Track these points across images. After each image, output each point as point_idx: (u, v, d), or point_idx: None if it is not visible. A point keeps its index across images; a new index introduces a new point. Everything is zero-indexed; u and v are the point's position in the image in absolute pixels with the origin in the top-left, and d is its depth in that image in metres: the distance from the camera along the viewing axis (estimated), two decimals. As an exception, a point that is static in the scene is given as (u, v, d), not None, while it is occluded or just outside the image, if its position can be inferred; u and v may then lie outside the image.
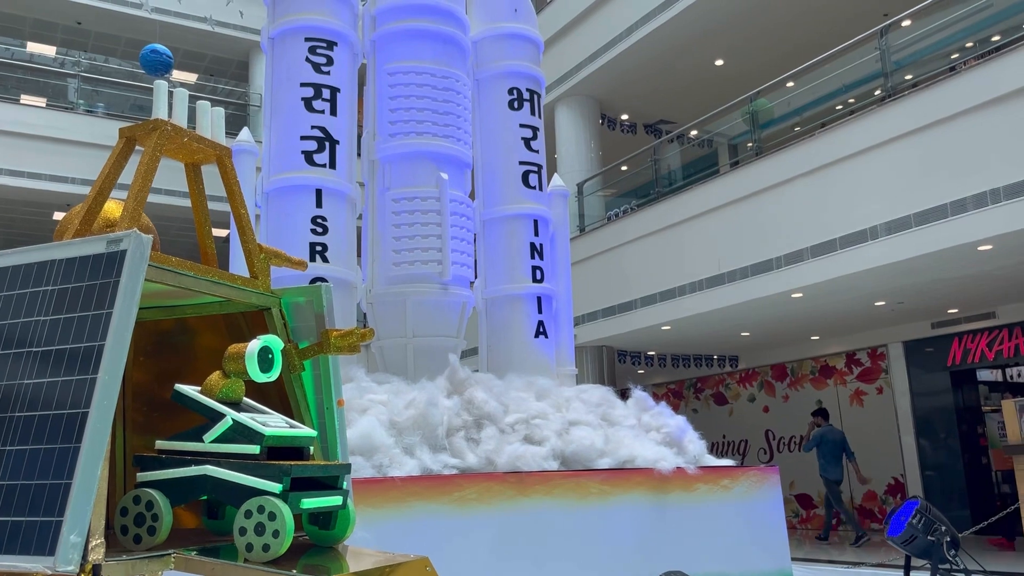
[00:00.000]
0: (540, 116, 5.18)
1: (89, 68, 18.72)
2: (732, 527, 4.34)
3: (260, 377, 2.19)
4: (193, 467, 2.07)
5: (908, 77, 10.88)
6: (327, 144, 4.46)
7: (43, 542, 1.74)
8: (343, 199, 4.52)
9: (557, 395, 4.49)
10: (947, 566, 4.41)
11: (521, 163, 5.04)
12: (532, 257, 4.93)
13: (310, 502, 2.05)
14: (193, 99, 2.59)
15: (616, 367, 15.28)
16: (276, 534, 1.93)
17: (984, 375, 13.24)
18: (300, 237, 4.34)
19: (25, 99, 17.89)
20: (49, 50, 19.83)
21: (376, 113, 4.68)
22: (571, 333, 5.15)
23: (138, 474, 2.13)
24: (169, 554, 1.96)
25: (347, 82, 4.62)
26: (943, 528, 4.44)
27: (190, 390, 2.17)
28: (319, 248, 4.35)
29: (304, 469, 2.04)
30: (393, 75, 4.63)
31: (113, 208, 2.44)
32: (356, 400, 3.89)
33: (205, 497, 2.08)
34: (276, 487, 1.97)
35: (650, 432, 4.52)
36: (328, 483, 2.17)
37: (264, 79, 4.60)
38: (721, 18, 12.88)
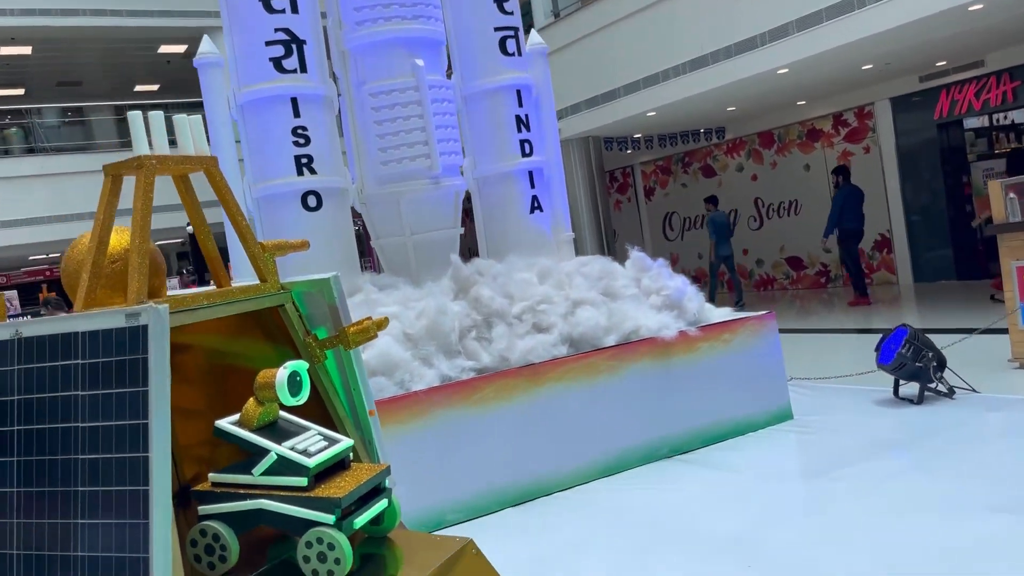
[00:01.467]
0: (511, -27, 4.85)
1: None
2: (734, 376, 4.65)
3: (291, 401, 2.31)
4: (249, 501, 2.25)
5: None
6: (294, 47, 4.23)
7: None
8: (320, 102, 4.37)
9: (559, 273, 4.61)
10: (934, 386, 4.76)
11: (496, 29, 4.79)
12: (519, 131, 4.84)
13: (361, 519, 2.25)
14: (166, 107, 2.50)
15: (603, 155, 15.25)
16: (337, 561, 2.15)
17: (971, 122, 13.25)
18: (283, 152, 4.25)
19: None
20: None
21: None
22: (564, 199, 5.17)
23: (199, 507, 2.31)
24: (245, 585, 2.19)
25: (303, -29, 4.31)
26: (930, 354, 4.74)
27: (230, 427, 2.30)
28: (304, 160, 4.27)
29: (351, 496, 2.22)
30: (351, -45, 4.30)
31: (116, 240, 2.43)
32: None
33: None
34: (330, 519, 2.17)
35: (651, 296, 4.69)
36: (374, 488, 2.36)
37: (216, -19, 4.28)
38: None
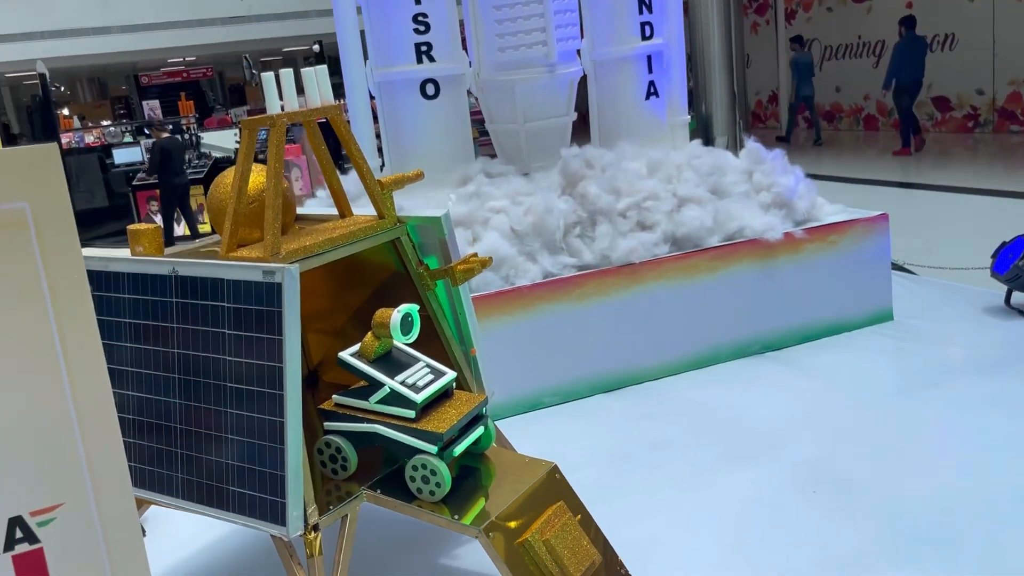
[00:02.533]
0: None
1: None
2: (837, 277, 4.68)
3: (403, 340, 2.66)
4: (366, 424, 2.64)
5: None
6: (417, -71, 4.20)
7: (275, 515, 2.41)
8: (441, -13, 4.37)
9: (669, 165, 4.64)
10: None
11: (624, -97, 4.55)
12: (640, 12, 4.69)
13: (460, 447, 2.62)
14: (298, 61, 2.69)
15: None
16: (438, 484, 2.54)
17: None
18: (405, 39, 4.32)
19: None
20: None
21: None
22: (684, 81, 5.06)
23: (325, 423, 2.72)
24: (361, 495, 2.61)
25: None
26: (1047, 269, 4.61)
27: (351, 359, 2.65)
28: (424, 48, 4.35)
29: (452, 430, 2.56)
30: None
31: (253, 181, 2.70)
32: (479, 212, 4.24)
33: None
34: (433, 448, 2.53)
35: (760, 193, 4.68)
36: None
37: None
38: None
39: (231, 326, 2.48)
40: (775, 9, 17.04)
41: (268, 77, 2.52)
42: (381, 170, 4.72)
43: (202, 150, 13.37)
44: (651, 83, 4.85)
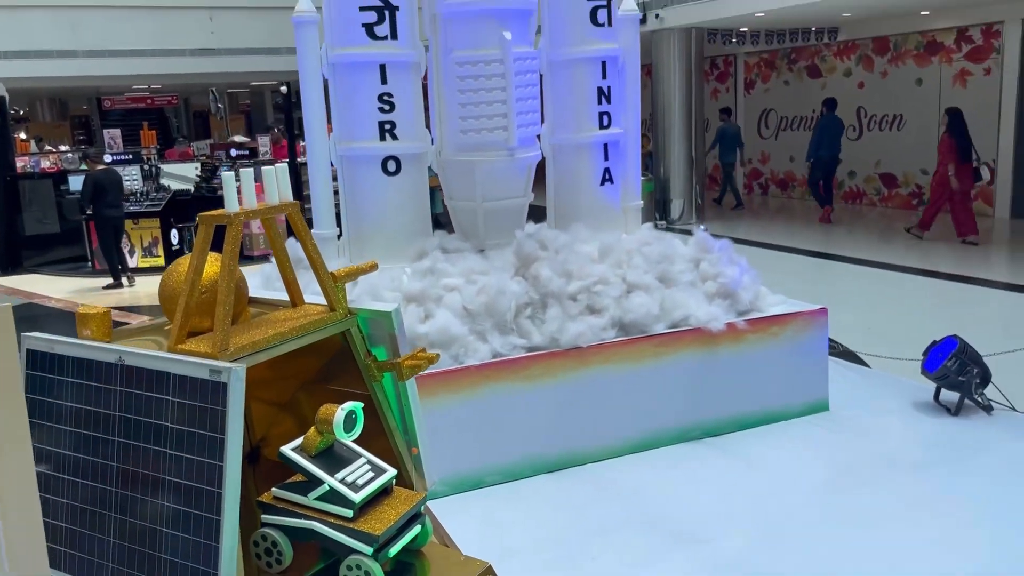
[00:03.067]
0: (611, -63, 4.73)
1: None
2: (776, 367, 4.84)
3: (346, 437, 2.68)
4: (303, 520, 2.67)
5: None
6: (387, 13, 4.31)
7: (207, 610, 2.40)
8: (407, 68, 4.48)
9: (619, 250, 4.77)
10: (975, 400, 4.86)
11: (589, -1, 4.74)
12: (599, 103, 4.86)
13: (396, 548, 2.65)
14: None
15: (705, 47, 14.69)
16: (372, 585, 2.56)
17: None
18: (368, 116, 4.43)
19: None
20: None
21: (434, -39, 4.41)
22: (638, 167, 5.22)
23: (263, 516, 2.74)
24: (295, 589, 2.63)
25: (402, -67, 4.32)
26: (976, 370, 4.81)
27: (292, 454, 2.68)
28: (387, 126, 4.45)
29: (388, 531, 2.60)
30: (450, -81, 4.27)
31: (208, 269, 2.74)
32: (433, 289, 4.31)
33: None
34: (368, 549, 2.57)
35: (707, 282, 4.83)
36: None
37: (315, -67, 4.33)
38: None
39: (174, 420, 2.50)
40: (735, 78, 17.58)
41: (228, 177, 2.58)
42: (339, 239, 4.78)
43: (161, 181, 13.29)
44: (606, 169, 5.01)
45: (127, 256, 11.64)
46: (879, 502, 3.97)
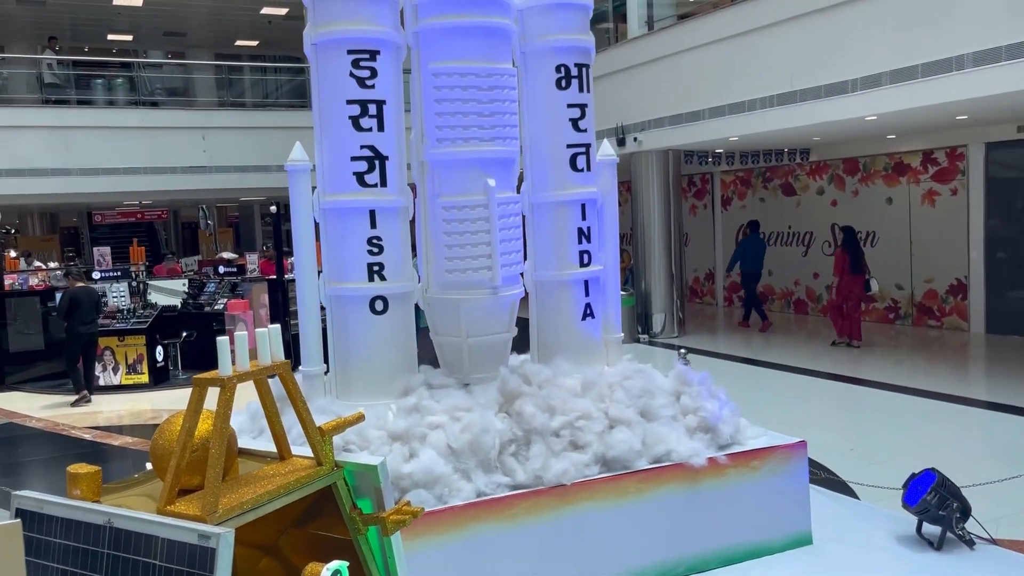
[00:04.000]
0: (589, 90, 5.04)
1: None
2: (758, 501, 4.88)
3: (332, 595, 2.70)
4: None
5: None
6: (377, 163, 4.55)
7: None
8: (396, 213, 4.69)
9: (601, 384, 4.88)
10: (957, 534, 4.90)
11: (569, 146, 5.01)
12: (579, 242, 5.08)
13: None
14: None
15: (682, 166, 15.23)
16: None
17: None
18: (358, 259, 4.60)
19: None
20: None
21: (423, 113, 4.66)
22: (618, 301, 5.39)
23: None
24: None
25: (393, 89, 4.59)
26: (956, 504, 4.88)
27: (280, 614, 2.70)
28: (376, 268, 4.62)
29: None
30: (437, 76, 4.54)
31: (201, 426, 2.82)
32: (417, 427, 4.38)
33: None
34: None
35: (687, 415, 4.93)
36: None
37: (312, 89, 4.60)
38: None
39: (161, 585, 2.53)
40: (712, 195, 18.15)
41: (223, 341, 2.69)
42: (325, 375, 4.86)
43: (149, 298, 13.41)
44: (587, 305, 5.17)
45: (98, 373, 11.75)
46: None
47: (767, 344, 13.26)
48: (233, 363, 2.71)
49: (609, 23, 16.12)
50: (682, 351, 5.96)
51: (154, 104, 18.17)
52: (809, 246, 16.04)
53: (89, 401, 11.09)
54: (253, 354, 2.82)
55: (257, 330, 2.77)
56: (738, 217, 17.49)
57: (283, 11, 18.99)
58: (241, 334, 2.74)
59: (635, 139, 13.92)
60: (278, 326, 2.85)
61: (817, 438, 5.41)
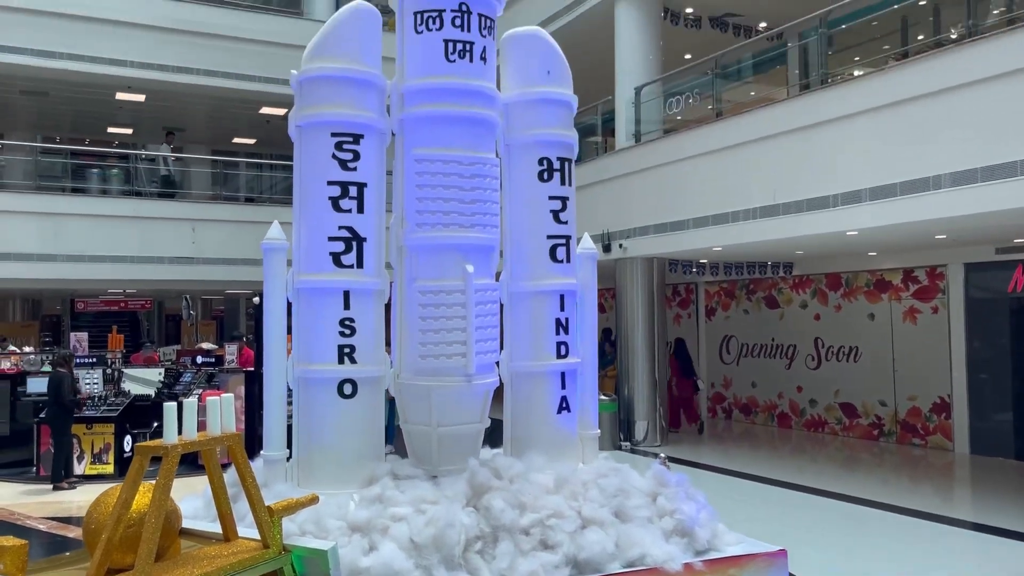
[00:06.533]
0: (571, 184, 5.07)
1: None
2: (735, 611, 4.63)
3: None
4: None
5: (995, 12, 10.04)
6: (354, 244, 4.52)
7: None
8: (371, 294, 4.63)
9: (575, 481, 4.71)
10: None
11: (549, 236, 5.01)
12: (557, 333, 5.01)
13: None
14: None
15: (666, 275, 15.34)
16: None
17: (1047, 302, 13.00)
18: (328, 340, 4.51)
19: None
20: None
21: (404, 197, 4.67)
22: (595, 396, 5.29)
23: None
24: None
25: (375, 173, 4.61)
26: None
27: None
28: (347, 350, 4.52)
29: None
30: (420, 162, 4.57)
31: (137, 501, 2.66)
32: (379, 518, 4.18)
33: None
34: None
35: (664, 517, 4.74)
36: None
37: (294, 169, 4.61)
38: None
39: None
40: (696, 305, 18.23)
41: (170, 407, 2.56)
42: (288, 461, 4.68)
43: (123, 386, 13.14)
44: (563, 398, 5.05)
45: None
46: None
47: (751, 457, 13.03)
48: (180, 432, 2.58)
49: (598, 136, 16.55)
50: (662, 455, 5.81)
51: (148, 194, 18.34)
52: (793, 359, 15.99)
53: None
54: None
55: (208, 398, 2.65)
56: (722, 328, 17.51)
57: (282, 111, 19.45)
58: (190, 401, 2.62)
59: (620, 245, 14.06)
60: (230, 395, 2.73)
61: (798, 552, 5.20)
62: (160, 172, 17.96)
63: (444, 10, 4.52)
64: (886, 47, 12.46)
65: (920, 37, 11.89)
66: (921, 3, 11.22)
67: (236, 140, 22.47)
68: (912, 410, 13.83)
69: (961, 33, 9.80)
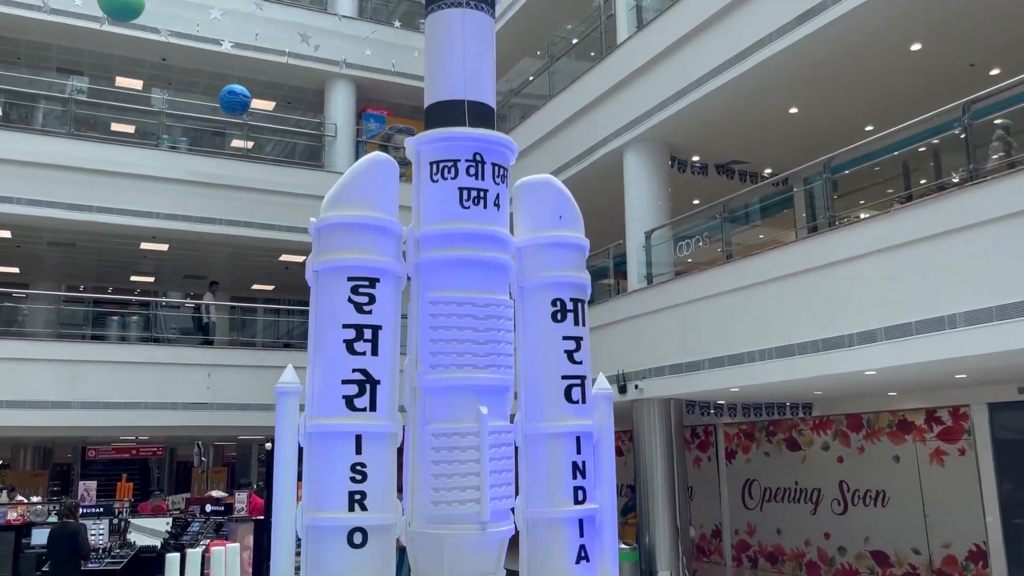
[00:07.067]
0: (585, 324, 5.10)
1: (172, 106, 19.44)
2: None
3: None
4: None
5: (1000, 155, 10.29)
6: (368, 387, 4.51)
7: None
8: (383, 438, 4.57)
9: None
10: None
11: (564, 377, 4.98)
12: (574, 477, 4.89)
13: None
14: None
15: (684, 417, 15.13)
16: None
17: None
18: (339, 486, 4.41)
19: (115, 127, 18.96)
20: (136, 84, 20.50)
21: (418, 339, 4.69)
22: (615, 544, 5.09)
23: None
24: None
25: (390, 315, 4.66)
26: None
27: None
28: (357, 496, 4.41)
29: None
30: (435, 304, 4.62)
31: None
32: None
33: None
34: None
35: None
36: None
37: (309, 313, 4.67)
38: (795, 72, 12.40)
39: None
40: (716, 447, 17.85)
41: (172, 559, 2.48)
42: (293, 616, 4.48)
43: (128, 536, 12.82)
44: (582, 547, 4.86)
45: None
46: None
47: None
48: (183, 581, 2.49)
49: (611, 279, 16.78)
50: None
51: (165, 340, 18.53)
52: (818, 504, 15.46)
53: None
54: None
55: (213, 549, 2.57)
56: (743, 471, 17.07)
57: (301, 258, 19.94)
58: (195, 552, 2.54)
59: (636, 386, 13.95)
60: (236, 545, 2.65)
61: None
62: (202, 321, 18.33)
63: (459, 160, 4.70)
64: (890, 191, 12.78)
65: (923, 181, 12.20)
66: (921, 149, 11.57)
67: (255, 287, 22.90)
68: (947, 558, 13.23)
69: (963, 176, 10.04)
